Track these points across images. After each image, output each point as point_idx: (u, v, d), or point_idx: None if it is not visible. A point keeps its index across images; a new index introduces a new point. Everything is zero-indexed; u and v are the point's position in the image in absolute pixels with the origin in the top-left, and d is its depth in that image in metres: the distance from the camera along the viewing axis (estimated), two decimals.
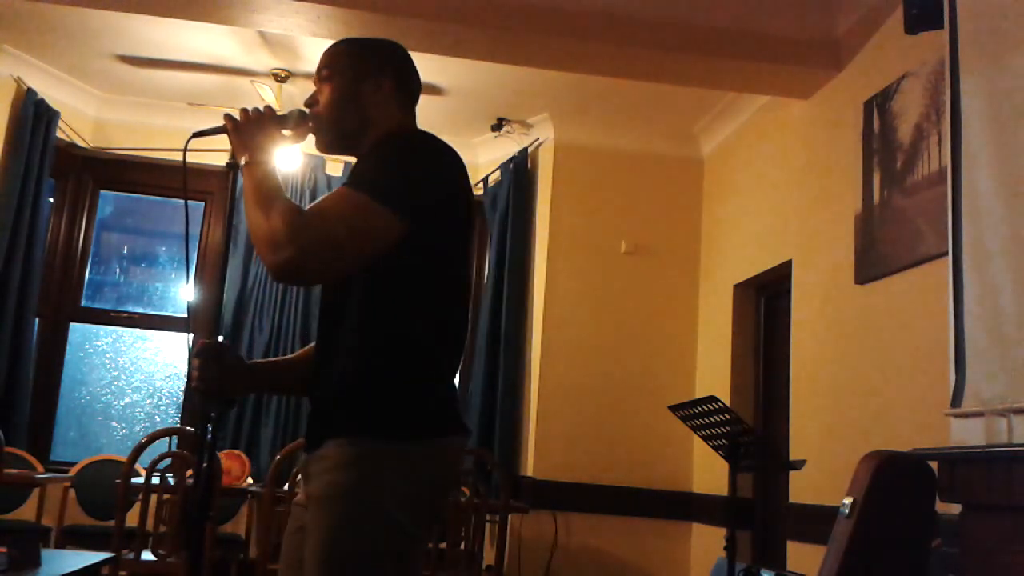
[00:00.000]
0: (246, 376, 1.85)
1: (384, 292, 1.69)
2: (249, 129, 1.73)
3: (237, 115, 1.76)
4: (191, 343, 1.78)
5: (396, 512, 1.61)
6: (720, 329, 5.00)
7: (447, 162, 1.76)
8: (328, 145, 1.87)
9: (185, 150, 1.74)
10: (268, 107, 1.78)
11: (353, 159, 1.86)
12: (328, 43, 1.95)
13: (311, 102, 1.85)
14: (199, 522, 1.68)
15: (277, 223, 1.59)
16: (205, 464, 1.66)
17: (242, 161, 1.71)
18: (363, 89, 1.83)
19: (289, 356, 2.01)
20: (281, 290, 5.47)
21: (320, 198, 1.72)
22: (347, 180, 1.70)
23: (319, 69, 1.87)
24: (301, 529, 1.70)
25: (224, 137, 1.77)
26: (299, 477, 1.83)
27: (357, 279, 1.69)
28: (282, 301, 5.49)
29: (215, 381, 1.71)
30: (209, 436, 1.69)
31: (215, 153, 1.76)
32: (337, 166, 5.69)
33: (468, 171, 1.82)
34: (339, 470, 1.62)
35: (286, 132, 1.81)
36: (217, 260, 4.83)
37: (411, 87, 1.91)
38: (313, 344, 1.90)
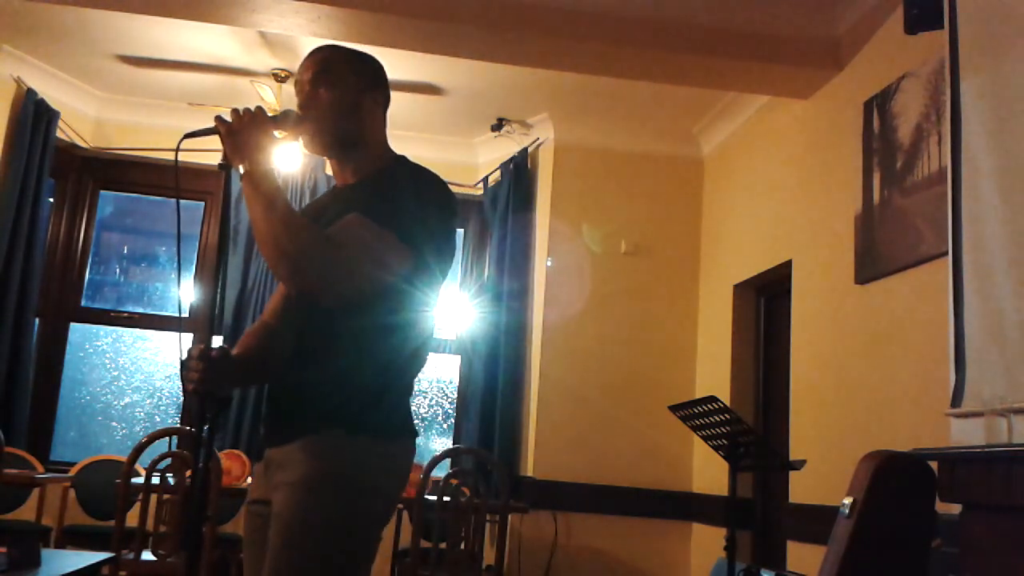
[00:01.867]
0: (241, 375, 1.87)
1: (371, 303, 1.74)
2: (242, 131, 1.72)
3: (229, 117, 1.76)
4: (183, 343, 1.78)
5: (370, 501, 1.71)
6: (720, 329, 4.99)
7: (449, 199, 1.87)
8: (322, 148, 1.90)
9: (177, 150, 1.74)
10: (259, 108, 1.77)
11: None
12: (328, 43, 1.95)
13: (306, 104, 1.86)
14: (197, 522, 1.68)
15: (306, 247, 1.66)
16: (202, 464, 1.66)
17: (240, 169, 1.71)
18: (364, 101, 1.90)
19: (249, 345, 1.91)
20: None
21: (345, 225, 1.74)
22: (366, 208, 1.75)
23: (316, 72, 1.87)
24: (264, 525, 1.73)
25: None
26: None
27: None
28: None
29: (213, 383, 1.71)
30: (206, 436, 1.70)
31: (214, 153, 1.75)
32: None
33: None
34: (321, 459, 1.68)
35: (280, 133, 1.80)
36: (216, 260, 4.85)
37: (389, 99, 2.01)
38: (257, 330, 1.92)
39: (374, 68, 1.96)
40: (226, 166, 1.75)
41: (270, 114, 1.78)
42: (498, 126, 5.44)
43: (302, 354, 1.79)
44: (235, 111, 1.75)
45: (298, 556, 1.63)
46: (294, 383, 1.79)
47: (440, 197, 1.85)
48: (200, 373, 1.71)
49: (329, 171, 5.67)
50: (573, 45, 3.99)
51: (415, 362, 1.82)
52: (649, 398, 5.10)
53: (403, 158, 1.94)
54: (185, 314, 5.66)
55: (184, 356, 1.73)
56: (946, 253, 2.42)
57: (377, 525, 1.73)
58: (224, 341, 5.35)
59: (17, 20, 4.71)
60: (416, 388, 1.92)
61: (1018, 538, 1.94)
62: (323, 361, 1.75)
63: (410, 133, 5.44)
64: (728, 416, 2.82)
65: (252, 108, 1.77)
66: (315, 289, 1.70)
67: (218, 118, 1.76)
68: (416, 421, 1.89)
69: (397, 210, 1.75)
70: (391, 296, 1.74)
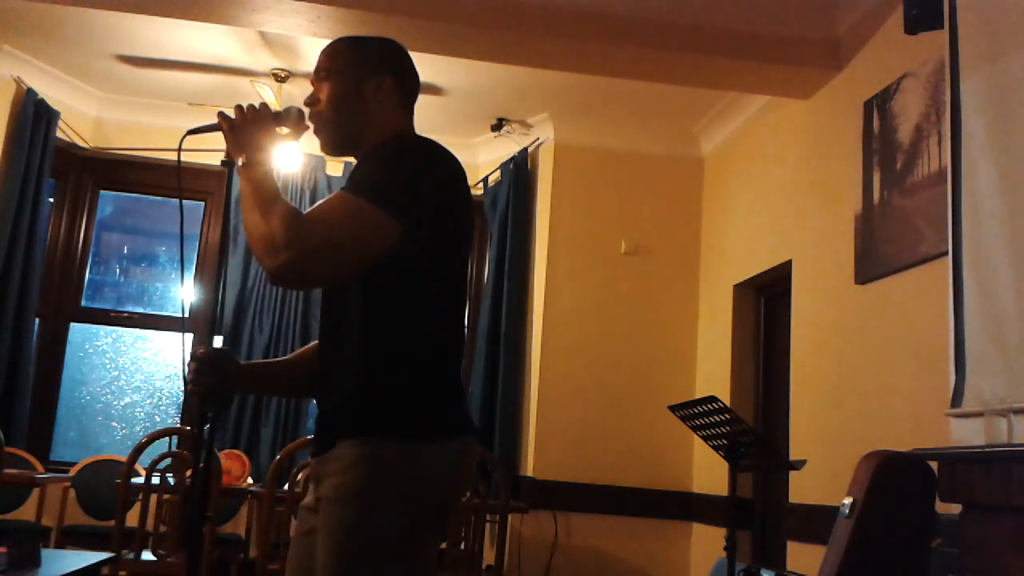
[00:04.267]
0: (242, 379, 1.85)
1: (387, 294, 1.68)
2: (245, 128, 1.71)
3: (232, 113, 1.74)
4: (187, 344, 1.78)
5: (407, 513, 1.62)
6: (720, 329, 4.99)
7: (446, 167, 1.75)
8: (331, 146, 1.84)
9: (180, 149, 1.72)
10: (264, 104, 1.75)
11: (353, 159, 1.86)
12: (328, 43, 1.93)
13: (311, 101, 1.83)
14: (197, 523, 1.68)
15: (276, 226, 1.58)
16: (203, 464, 1.66)
17: (239, 161, 1.69)
18: (363, 89, 1.81)
19: (287, 357, 1.98)
20: (281, 290, 5.47)
21: (319, 201, 1.70)
22: (346, 184, 1.69)
23: (317, 68, 1.84)
24: (310, 532, 1.70)
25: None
26: (299, 477, 1.83)
27: (358, 282, 1.69)
28: (282, 301, 5.49)
29: (211, 385, 1.71)
30: (206, 436, 1.69)
31: (215, 153, 1.75)
32: (337, 166, 5.69)
33: (468, 171, 1.81)
34: (350, 471, 1.62)
35: (283, 130, 1.78)
36: (216, 260, 4.86)
37: (410, 86, 1.89)
38: (310, 345, 1.91)
39: (378, 52, 1.86)
40: (229, 163, 1.73)
41: (274, 111, 1.77)
42: (498, 126, 5.44)
43: (324, 361, 1.76)
44: (239, 107, 1.73)
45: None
46: (321, 389, 1.77)
47: (431, 163, 1.73)
48: (194, 374, 1.71)
49: (329, 171, 5.69)
50: (573, 45, 3.99)
51: (437, 362, 1.71)
52: (649, 398, 5.10)
53: (408, 134, 1.83)
54: (185, 314, 5.66)
55: (188, 356, 1.73)
56: (946, 253, 2.43)
57: (409, 533, 1.62)
58: (224, 341, 5.36)
59: (17, 20, 4.71)
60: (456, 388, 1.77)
61: (1018, 538, 1.95)
62: (339, 368, 1.71)
63: None
64: (728, 416, 2.82)
65: (256, 105, 1.75)
66: (295, 266, 1.58)
67: (221, 114, 1.74)
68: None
69: (376, 178, 1.66)
70: (401, 294, 1.68)
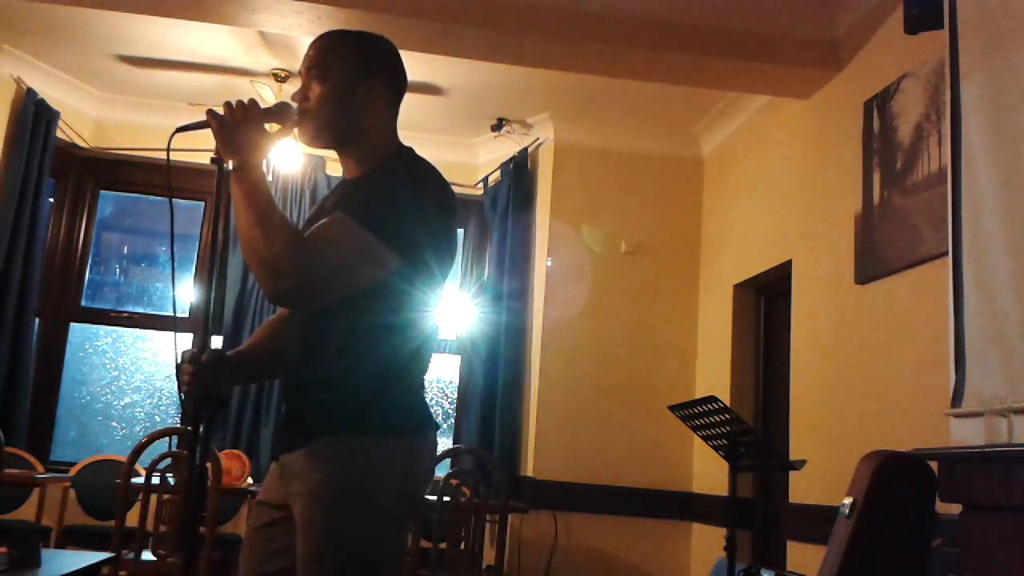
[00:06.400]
0: (239, 371, 1.88)
1: (372, 303, 1.70)
2: (235, 126, 1.68)
3: (221, 111, 1.70)
4: (178, 344, 1.79)
5: (389, 506, 1.67)
6: (720, 329, 4.99)
7: (445, 196, 1.80)
8: (318, 142, 1.82)
9: (169, 146, 1.71)
10: (252, 100, 1.72)
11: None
12: (331, 30, 1.91)
13: (301, 98, 1.81)
14: (193, 522, 1.68)
15: (279, 250, 1.59)
16: (197, 464, 1.66)
17: (230, 164, 1.67)
18: (357, 93, 1.81)
19: (258, 339, 1.95)
20: None
21: (323, 222, 1.70)
22: (349, 208, 1.69)
23: (309, 65, 1.82)
24: (272, 524, 1.74)
25: None
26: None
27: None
28: None
29: (205, 386, 1.71)
30: (201, 436, 1.69)
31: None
32: (337, 166, 5.65)
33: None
34: (335, 466, 1.65)
35: (273, 127, 1.75)
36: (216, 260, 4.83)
37: (399, 87, 1.91)
38: (270, 321, 1.93)
39: (373, 54, 1.85)
40: (219, 160, 1.70)
41: (264, 107, 1.73)
42: (498, 126, 5.44)
43: (304, 356, 1.77)
44: (227, 104, 1.70)
45: (322, 568, 1.63)
46: (298, 385, 1.78)
47: (439, 195, 1.78)
48: (191, 376, 1.71)
49: (329, 171, 5.69)
50: (573, 45, 3.99)
51: (416, 362, 1.77)
52: (649, 398, 5.10)
53: (407, 151, 1.85)
54: (185, 314, 5.66)
55: (178, 359, 1.73)
56: (946, 253, 2.43)
57: (392, 523, 1.68)
58: (224, 341, 5.35)
59: (17, 20, 4.71)
60: (425, 386, 1.86)
61: (1018, 538, 1.94)
62: (322, 363, 1.73)
63: (410, 133, 5.36)
64: (728, 416, 2.82)
65: (245, 101, 1.71)
66: (288, 294, 1.65)
67: (210, 112, 1.71)
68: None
69: (390, 210, 1.68)
70: (389, 296, 1.70)
